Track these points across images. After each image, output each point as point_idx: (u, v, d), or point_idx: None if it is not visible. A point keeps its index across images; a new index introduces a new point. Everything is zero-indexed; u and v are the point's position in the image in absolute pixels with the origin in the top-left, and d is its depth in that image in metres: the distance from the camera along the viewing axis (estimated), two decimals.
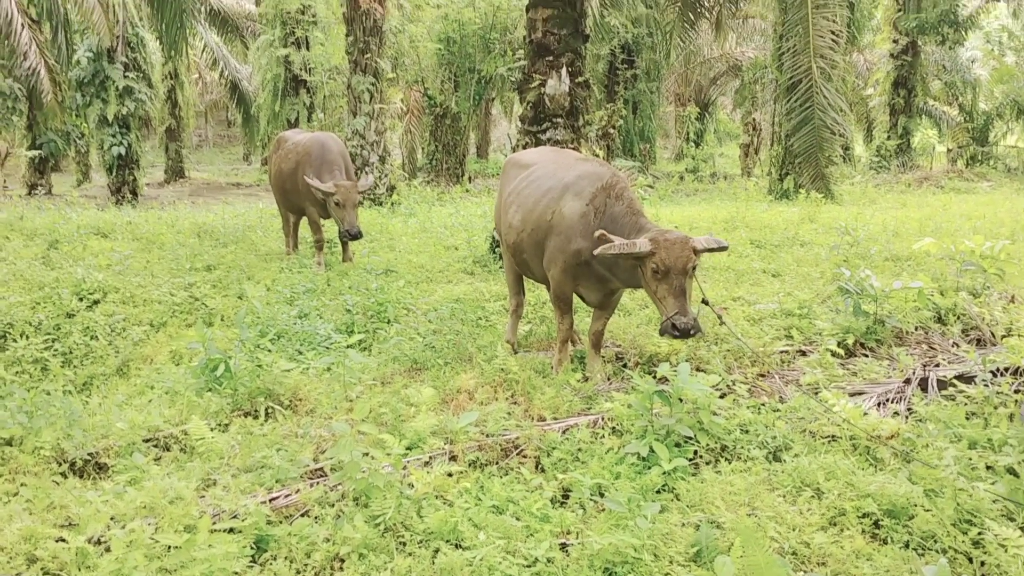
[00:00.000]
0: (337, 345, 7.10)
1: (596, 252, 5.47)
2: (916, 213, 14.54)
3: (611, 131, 24.90)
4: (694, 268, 5.48)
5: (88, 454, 5.12)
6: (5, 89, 25.69)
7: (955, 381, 5.72)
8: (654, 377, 5.67)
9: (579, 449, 4.90)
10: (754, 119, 31.92)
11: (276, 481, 4.53)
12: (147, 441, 5.33)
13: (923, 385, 5.84)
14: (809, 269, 9.40)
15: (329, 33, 20.70)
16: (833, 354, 6.46)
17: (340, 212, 9.36)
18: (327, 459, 4.74)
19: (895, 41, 28.19)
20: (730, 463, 4.74)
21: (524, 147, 9.40)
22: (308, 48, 23.10)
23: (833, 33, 19.11)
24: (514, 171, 6.95)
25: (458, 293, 8.60)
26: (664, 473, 4.55)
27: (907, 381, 5.87)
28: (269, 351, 6.88)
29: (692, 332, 5.25)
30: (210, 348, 6.09)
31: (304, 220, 10.63)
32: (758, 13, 31.03)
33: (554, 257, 6.17)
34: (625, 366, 6.53)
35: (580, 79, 9.46)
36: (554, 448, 4.90)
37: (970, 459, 4.56)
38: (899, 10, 27.77)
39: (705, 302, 5.65)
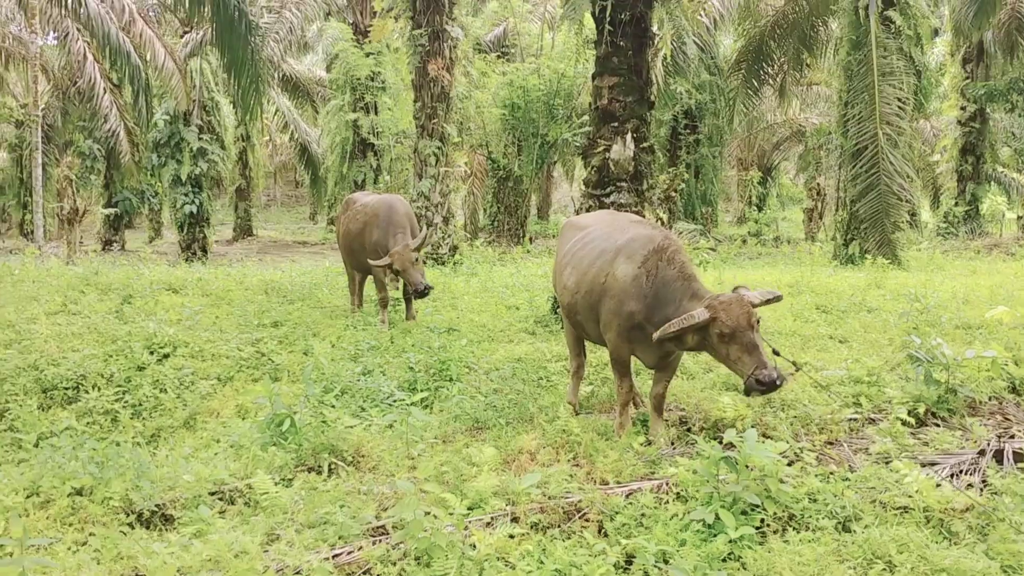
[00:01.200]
0: (400, 403, 7.14)
1: (656, 336, 5.47)
2: (986, 280, 14.21)
3: (673, 195, 24.94)
4: (758, 322, 5.47)
5: (155, 505, 5.19)
6: (86, 150, 26.70)
7: None
8: (720, 443, 5.60)
9: (642, 514, 4.83)
10: (818, 184, 31.71)
11: (339, 538, 4.55)
12: (212, 494, 5.39)
13: (998, 457, 5.67)
14: (877, 335, 9.23)
15: (397, 99, 21.20)
16: (903, 423, 6.31)
17: (404, 276, 9.51)
18: (390, 517, 4.74)
19: (963, 108, 27.95)
20: (798, 533, 4.64)
21: (588, 210, 9.47)
22: (376, 113, 23.72)
23: (899, 100, 19.00)
24: (571, 233, 7.01)
25: (519, 353, 8.61)
26: (730, 541, 4.46)
27: (981, 452, 5.70)
28: (333, 407, 6.95)
29: (779, 382, 5.25)
30: (276, 403, 6.16)
31: (369, 278, 10.79)
32: (822, 80, 31.07)
33: (609, 320, 6.19)
34: (689, 430, 6.45)
35: (644, 144, 9.54)
36: (617, 512, 4.84)
37: None
38: (967, 78, 27.57)
39: (776, 353, 5.60)
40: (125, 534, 4.79)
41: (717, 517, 4.65)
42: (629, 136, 9.44)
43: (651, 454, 5.82)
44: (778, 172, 43.00)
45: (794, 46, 23.64)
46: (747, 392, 5.36)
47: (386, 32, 18.38)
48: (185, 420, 7.56)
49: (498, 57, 24.12)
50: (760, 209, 33.87)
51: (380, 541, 4.54)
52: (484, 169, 24.98)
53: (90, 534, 4.76)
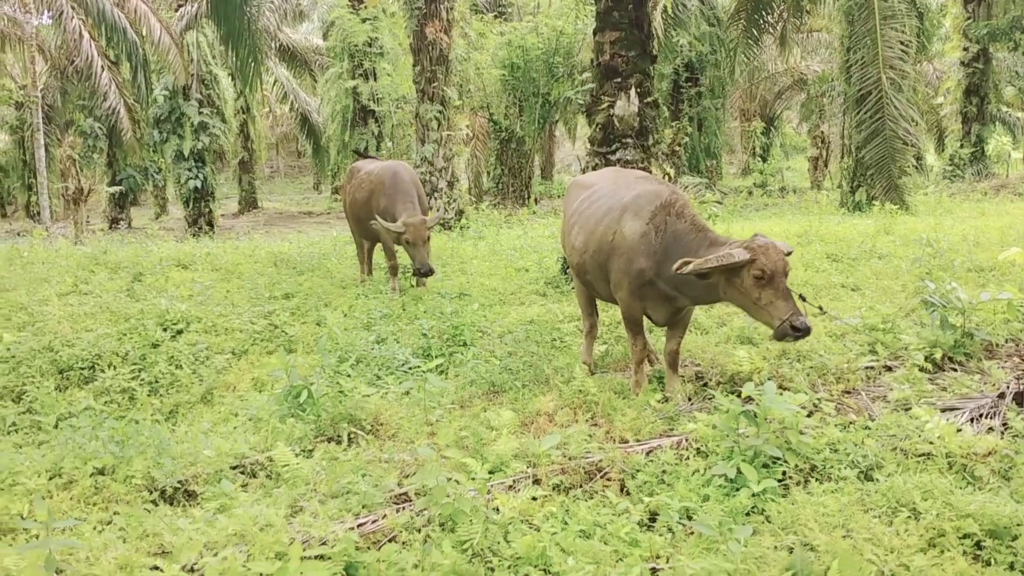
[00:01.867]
0: (416, 369, 7.14)
1: (689, 268, 5.41)
2: (996, 222, 14.15)
3: (677, 149, 24.74)
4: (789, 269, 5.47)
5: (178, 482, 5.20)
6: (87, 129, 26.61)
7: None
8: (738, 396, 5.60)
9: (664, 471, 4.84)
10: (822, 132, 31.48)
11: (363, 507, 4.56)
12: (234, 468, 5.41)
13: (1019, 400, 5.65)
14: (889, 282, 9.19)
15: (396, 64, 21.00)
16: (921, 369, 6.30)
17: (411, 250, 9.45)
18: (412, 484, 4.75)
19: (965, 49, 27.63)
20: (820, 484, 4.63)
21: (594, 168, 9.40)
22: (375, 79, 23.52)
23: (902, 44, 18.79)
24: (577, 192, 6.97)
25: (532, 315, 8.59)
26: (753, 495, 4.47)
27: (1001, 395, 5.68)
28: (349, 376, 6.94)
29: (810, 330, 5.26)
30: (292, 375, 6.17)
31: (379, 246, 10.75)
32: (823, 27, 30.67)
33: (619, 279, 6.16)
34: (706, 385, 6.45)
35: (649, 99, 9.44)
36: (638, 471, 4.85)
37: None
38: (968, 18, 27.23)
39: (802, 299, 5.57)
40: (149, 512, 4.81)
41: (739, 471, 4.65)
42: (633, 91, 9.34)
43: (668, 411, 5.82)
44: (781, 122, 42.67)
45: None
46: (779, 337, 5.34)
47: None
48: (202, 395, 7.56)
49: (495, 17, 23.84)
50: (764, 160, 33.64)
51: (403, 508, 4.55)
52: (486, 131, 24.82)
53: (114, 513, 4.78)
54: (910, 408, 5.61)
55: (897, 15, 18.41)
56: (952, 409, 5.65)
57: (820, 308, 5.98)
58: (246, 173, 34.73)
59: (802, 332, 5.26)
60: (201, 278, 10.60)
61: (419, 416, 6.00)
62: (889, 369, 6.57)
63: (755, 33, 24.34)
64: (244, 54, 11.83)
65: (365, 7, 22.15)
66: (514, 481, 4.78)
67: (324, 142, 31.40)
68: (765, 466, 4.79)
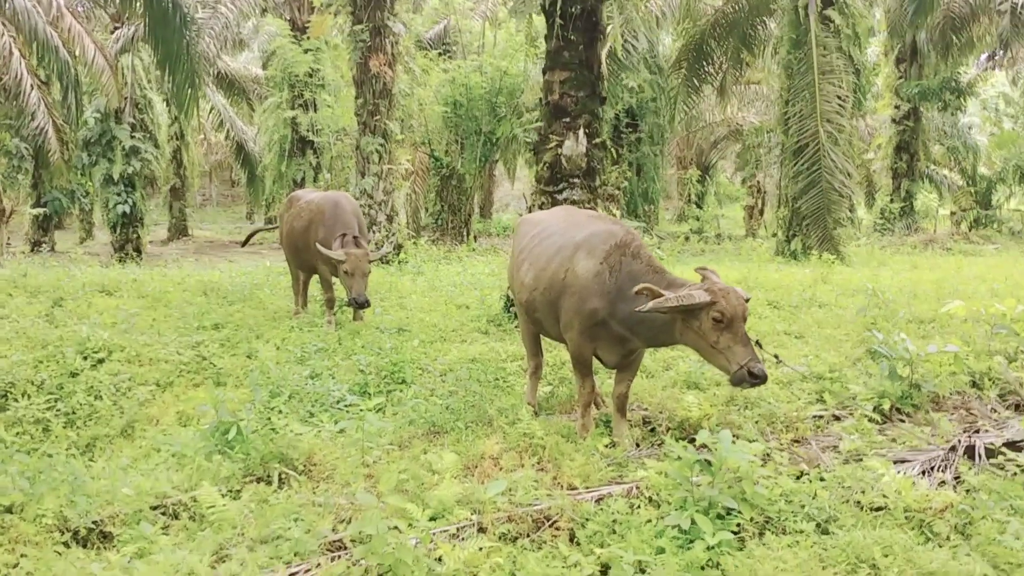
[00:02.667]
0: (353, 407, 6.84)
1: (647, 308, 5.26)
2: (929, 275, 14.35)
3: (616, 192, 24.84)
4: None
5: (92, 522, 4.82)
6: (12, 148, 25.71)
7: (1003, 449, 5.47)
8: (690, 443, 5.43)
9: (615, 521, 4.61)
10: (758, 182, 31.98)
11: (295, 554, 4.24)
12: (155, 508, 5.04)
13: (969, 453, 5.58)
14: (832, 331, 9.17)
15: (338, 95, 20.75)
16: (869, 419, 6.21)
17: (349, 280, 9.16)
18: (349, 530, 4.45)
19: (897, 107, 28.40)
20: (776, 536, 4.46)
21: (540, 207, 9.27)
22: (315, 110, 23.24)
23: (839, 98, 19.15)
24: (526, 229, 6.79)
25: (473, 353, 8.36)
26: (708, 548, 4.27)
27: (952, 448, 5.60)
28: (282, 412, 6.60)
29: (767, 377, 5.15)
30: (221, 410, 5.82)
31: (315, 278, 10.43)
32: (760, 79, 31.32)
33: (570, 319, 5.98)
34: (653, 431, 6.27)
35: (597, 140, 9.36)
36: (588, 520, 4.62)
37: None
38: (900, 77, 28.00)
39: (759, 345, 5.43)
40: (60, 554, 4.42)
41: (693, 522, 4.45)
42: (582, 132, 9.24)
43: (617, 456, 5.62)
44: (715, 171, 43.31)
45: (734, 45, 23.75)
46: (736, 383, 5.23)
47: (325, 28, 18.02)
48: (122, 429, 7.15)
49: (440, 55, 23.77)
50: (699, 207, 34.05)
51: (339, 557, 4.25)
52: (426, 167, 24.63)
53: (21, 555, 4.38)
54: (861, 459, 5.50)
55: (835, 70, 18.78)
56: (903, 461, 5.56)
57: (776, 357, 5.85)
58: (177, 200, 33.92)
59: (759, 379, 5.15)
60: (127, 305, 10.14)
61: (355, 457, 5.69)
62: (837, 419, 6.47)
63: (695, 83, 24.73)
64: (181, 79, 11.48)
65: (307, 38, 21.91)
66: (458, 529, 4.51)
67: (260, 171, 30.87)
68: (720, 517, 4.59)
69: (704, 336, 5.31)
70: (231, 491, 5.33)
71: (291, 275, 10.87)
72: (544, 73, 9.67)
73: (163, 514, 5.03)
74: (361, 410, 6.64)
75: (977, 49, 27.50)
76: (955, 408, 6.67)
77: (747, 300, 5.49)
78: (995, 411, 6.64)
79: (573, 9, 9.17)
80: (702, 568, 4.17)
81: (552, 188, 9.33)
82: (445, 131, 23.23)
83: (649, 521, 4.58)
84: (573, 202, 9.12)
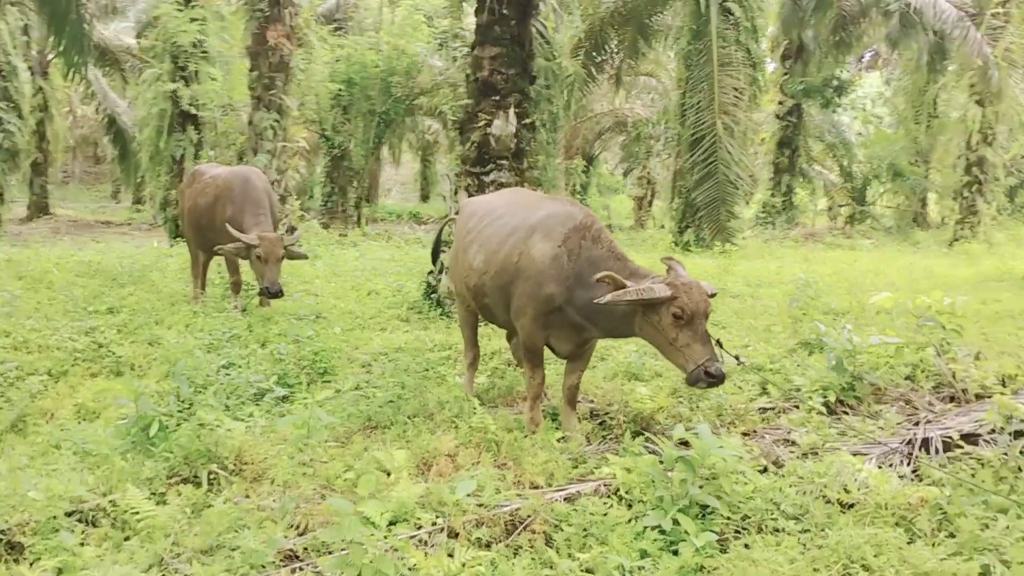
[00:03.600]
0: (285, 401, 6.34)
1: (606, 300, 4.96)
2: (823, 268, 14.63)
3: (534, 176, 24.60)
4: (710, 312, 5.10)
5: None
6: None
7: (960, 442, 5.44)
8: (643, 437, 5.23)
9: (591, 522, 4.31)
10: (648, 173, 32.32)
11: (250, 567, 3.78)
12: (70, 515, 4.47)
13: (924, 446, 5.52)
14: (752, 321, 9.16)
15: (230, 67, 19.73)
16: (817, 412, 6.11)
17: (261, 267, 8.55)
18: (307, 539, 4.02)
19: (780, 103, 29.07)
20: (759, 536, 4.24)
21: (466, 189, 8.90)
22: (199, 82, 22.08)
23: (736, 90, 19.37)
24: (473, 210, 6.40)
25: (398, 342, 7.94)
26: (696, 551, 4.02)
27: (908, 442, 5.53)
28: (211, 407, 6.02)
29: (724, 378, 4.93)
30: (142, 403, 5.25)
31: (216, 259, 9.76)
32: (650, 71, 31.63)
33: (523, 304, 5.64)
34: (603, 423, 6.01)
35: (527, 121, 9.05)
36: (562, 521, 4.31)
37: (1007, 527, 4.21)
38: (785, 74, 28.69)
39: (719, 344, 5.21)
40: None
41: (675, 523, 4.21)
42: (512, 111, 8.91)
43: (573, 451, 5.33)
44: (599, 161, 43.68)
45: (632, 35, 23.77)
46: (692, 382, 4.97)
47: None
48: (12, 423, 6.43)
49: (333, 31, 22.95)
50: (582, 199, 34.22)
51: (300, 569, 3.81)
52: (316, 146, 23.82)
53: None
54: (817, 453, 5.39)
55: (734, 63, 18.97)
56: (859, 454, 5.45)
57: (737, 358, 5.65)
58: (39, 176, 31.86)
59: (716, 379, 4.93)
60: (6, 287, 9.26)
61: (290, 454, 5.22)
62: (783, 411, 6.36)
63: (592, 71, 24.68)
64: (68, 41, 10.57)
65: (194, 6, 20.76)
66: (429, 534, 4.12)
67: (135, 147, 29.28)
68: (699, 517, 4.36)
69: (663, 332, 5.05)
70: (155, 494, 4.79)
71: (190, 255, 10.13)
72: (473, 48, 9.28)
73: (79, 521, 4.47)
74: (290, 402, 6.18)
75: (856, 49, 28.40)
76: (895, 400, 6.65)
77: (712, 295, 5.27)
78: (932, 404, 6.65)
79: None
80: (695, 573, 3.92)
81: (479, 169, 8.97)
82: (337, 110, 22.46)
83: (629, 521, 4.31)
84: (500, 185, 8.78)
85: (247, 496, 4.73)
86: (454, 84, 24.58)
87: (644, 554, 4.05)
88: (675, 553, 4.08)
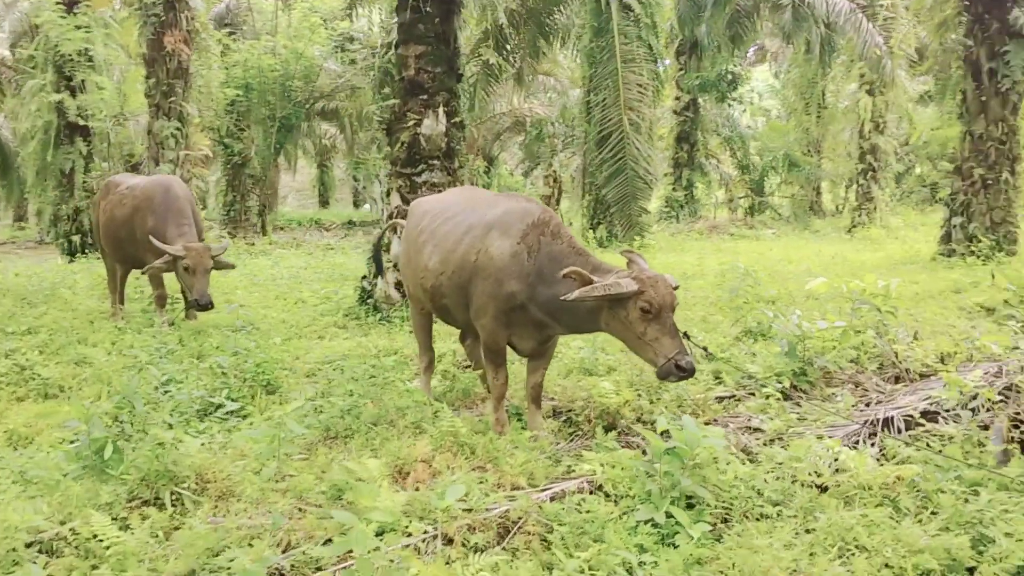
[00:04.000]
0: (234, 414, 6.07)
1: (573, 296, 4.89)
2: (742, 259, 14.91)
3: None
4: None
5: None
6: None
7: (921, 420, 5.58)
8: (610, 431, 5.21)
9: (583, 520, 4.24)
10: (555, 171, 32.46)
11: None
12: (28, 546, 4.17)
13: (884, 425, 5.64)
14: (689, 312, 9.25)
15: (123, 76, 18.98)
16: (774, 398, 6.18)
17: (189, 279, 8.23)
18: (295, 555, 3.84)
19: (677, 98, 29.66)
20: (750, 523, 4.24)
21: (398, 190, 8.72)
22: (85, 92, 21.20)
23: (640, 86, 19.63)
24: (424, 210, 6.26)
25: (340, 349, 7.74)
26: (697, 543, 4.00)
27: (870, 422, 5.64)
28: (167, 424, 5.72)
29: (694, 370, 4.91)
30: (94, 424, 4.95)
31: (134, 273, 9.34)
32: (547, 70, 31.80)
33: (484, 303, 5.54)
34: (568, 421, 5.95)
35: (456, 119, 8.93)
36: (553, 521, 4.22)
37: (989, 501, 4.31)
38: (680, 69, 29.26)
39: (687, 336, 5.20)
40: None
41: (667, 515, 4.18)
42: (441, 110, 8.78)
43: (546, 449, 5.26)
44: (499, 162, 43.75)
45: (532, 34, 23.83)
46: (663, 376, 4.96)
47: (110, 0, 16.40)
48: None
49: (228, 34, 22.34)
50: None
51: None
52: (215, 154, 23.16)
53: None
54: (783, 438, 5.45)
55: (637, 59, 19.21)
56: (822, 438, 5.53)
57: (705, 349, 5.67)
58: None
59: (687, 372, 4.92)
60: None
61: (254, 469, 5.00)
62: (740, 399, 6.41)
63: (495, 71, 24.65)
64: None
65: (78, 13, 19.89)
66: (423, 542, 3.99)
67: (18, 162, 27.96)
68: (687, 508, 4.34)
69: (631, 326, 5.01)
70: (116, 519, 4.50)
71: (107, 270, 9.68)
72: (397, 47, 9.10)
73: (40, 552, 4.18)
74: (238, 417, 5.93)
75: (747, 43, 29.13)
76: (844, 383, 6.79)
77: (675, 288, 5.26)
78: (879, 385, 6.81)
79: None
80: (697, 564, 3.88)
81: (410, 170, 8.81)
82: (233, 116, 21.87)
83: (621, 517, 4.25)
84: (432, 185, 8.65)
85: (222, 515, 4.51)
86: (353, 87, 24.31)
87: (642, 549, 4.00)
88: (673, 546, 4.04)
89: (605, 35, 19.56)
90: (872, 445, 5.40)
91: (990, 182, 13.61)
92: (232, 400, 6.35)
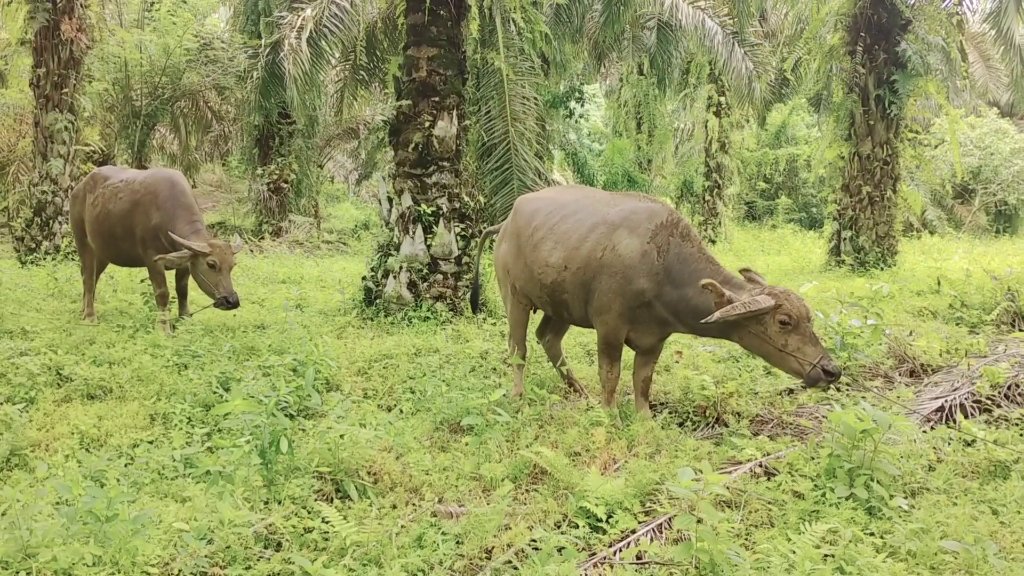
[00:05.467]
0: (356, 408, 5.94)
1: (715, 318, 5.15)
2: None
3: (283, 185, 23.92)
4: None
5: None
6: None
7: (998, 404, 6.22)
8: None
9: (787, 500, 4.54)
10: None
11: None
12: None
13: (950, 412, 6.25)
14: None
15: (12, 62, 17.52)
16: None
17: (214, 276, 7.86)
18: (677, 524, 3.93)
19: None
20: (919, 497, 4.66)
21: (409, 191, 8.68)
22: None
23: (524, 99, 20.04)
24: (535, 208, 6.38)
25: (382, 349, 7.64)
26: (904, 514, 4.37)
27: (939, 409, 6.23)
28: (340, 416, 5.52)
29: (841, 373, 5.22)
30: (270, 419, 4.78)
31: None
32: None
33: (609, 300, 5.73)
34: (674, 412, 6.21)
35: (465, 122, 9.01)
36: (774, 502, 4.50)
37: None
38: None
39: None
40: None
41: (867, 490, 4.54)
42: (454, 112, 8.83)
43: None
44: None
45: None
46: (810, 383, 5.25)
47: None
48: (5, 459, 5.53)
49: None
50: None
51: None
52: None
53: None
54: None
55: (522, 72, 19.59)
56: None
57: None
58: None
59: (834, 375, 5.20)
60: None
61: (421, 465, 4.99)
62: (794, 392, 6.86)
63: (364, 77, 24.37)
64: None
65: None
66: (668, 521, 4.18)
67: None
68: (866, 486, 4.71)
69: (771, 340, 5.26)
70: (310, 512, 4.39)
71: (83, 267, 9.02)
72: (407, 48, 9.07)
73: (266, 547, 4.05)
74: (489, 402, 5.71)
75: (607, 63, 30.13)
76: (874, 376, 7.41)
77: None
78: (894, 378, 7.48)
79: None
80: (924, 531, 4.24)
81: (421, 171, 8.82)
82: (101, 111, 20.61)
83: (824, 493, 4.56)
84: (443, 186, 8.69)
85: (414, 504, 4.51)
86: (220, 87, 23.44)
87: (863, 525, 4.29)
88: (880, 518, 4.38)
89: (490, 47, 19.86)
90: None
91: (876, 199, 15.00)
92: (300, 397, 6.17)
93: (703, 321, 5.27)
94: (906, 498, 4.69)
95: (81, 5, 14.86)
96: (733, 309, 5.17)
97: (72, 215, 9.04)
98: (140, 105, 21.08)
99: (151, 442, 5.70)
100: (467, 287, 9.65)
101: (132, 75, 20.62)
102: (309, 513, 4.35)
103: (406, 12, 9.14)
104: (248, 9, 21.34)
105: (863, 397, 6.33)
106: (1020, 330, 8.85)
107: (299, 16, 9.69)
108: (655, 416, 6.00)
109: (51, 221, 14.75)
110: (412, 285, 9.01)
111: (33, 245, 14.72)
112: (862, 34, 14.99)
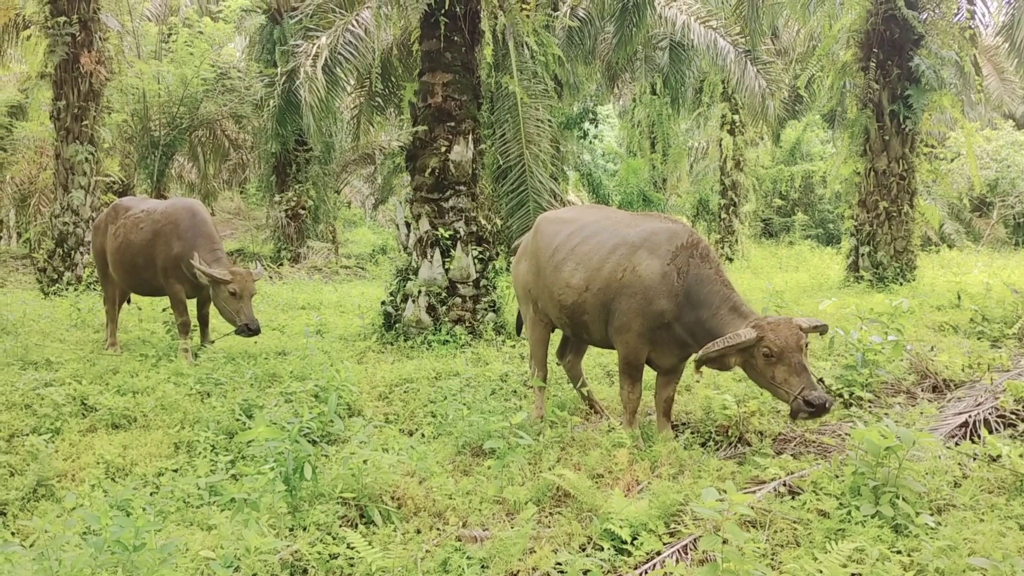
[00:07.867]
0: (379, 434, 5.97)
1: (698, 356, 5.22)
2: None
3: (301, 212, 24.08)
4: (807, 345, 5.34)
5: None
6: None
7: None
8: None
9: (811, 519, 4.52)
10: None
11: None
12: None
13: (973, 427, 6.21)
14: None
15: (32, 96, 17.78)
16: (847, 404, 6.67)
17: (235, 303, 7.95)
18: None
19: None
20: (940, 516, 4.63)
21: (427, 215, 8.73)
22: None
23: (539, 121, 20.15)
24: (553, 228, 6.40)
25: (402, 373, 7.67)
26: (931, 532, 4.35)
27: (963, 424, 6.20)
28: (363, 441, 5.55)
29: (828, 405, 5.10)
30: (287, 447, 4.81)
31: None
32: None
33: (629, 320, 5.74)
34: (696, 432, 6.20)
35: (481, 147, 9.08)
36: (798, 521, 4.49)
37: None
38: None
39: (820, 381, 5.53)
40: None
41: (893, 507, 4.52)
42: (470, 137, 8.90)
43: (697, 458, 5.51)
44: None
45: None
46: (794, 415, 5.19)
47: (10, 13, 15.42)
48: (31, 490, 5.58)
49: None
50: None
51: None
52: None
53: None
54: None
55: (536, 94, 19.71)
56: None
57: (821, 380, 6.02)
58: None
59: (816, 408, 5.09)
60: None
61: (442, 489, 5.00)
62: None
63: (379, 102, 24.60)
64: None
65: None
66: (693, 542, 4.16)
67: None
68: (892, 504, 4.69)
69: (760, 371, 5.28)
70: (335, 538, 4.42)
71: (105, 298, 9.12)
72: (422, 74, 9.15)
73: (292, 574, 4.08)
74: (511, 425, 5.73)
75: (620, 83, 30.27)
76: (896, 392, 7.38)
77: (815, 329, 5.46)
78: (915, 393, 7.45)
79: (458, 9, 8.82)
80: (951, 548, 4.22)
81: (438, 195, 8.87)
82: (120, 142, 20.88)
83: (849, 511, 4.55)
84: (460, 210, 8.74)
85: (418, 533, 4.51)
86: (237, 115, 23.70)
87: (890, 543, 4.27)
88: (907, 536, 4.36)
89: (503, 71, 20.00)
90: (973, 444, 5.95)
91: (893, 214, 14.96)
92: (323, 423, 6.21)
93: (691, 360, 5.29)
94: (932, 515, 4.65)
95: (100, 38, 15.06)
96: (712, 347, 5.21)
97: (94, 246, 9.15)
98: (159, 135, 21.38)
99: (176, 470, 5.77)
100: (486, 310, 9.68)
101: (151, 106, 20.94)
102: (334, 539, 4.39)
103: (421, 39, 9.24)
104: (264, 38, 21.64)
105: (886, 414, 6.32)
106: None
107: (314, 44, 9.84)
108: (677, 436, 6.00)
109: (73, 252, 14.91)
110: (431, 309, 9.06)
111: (55, 276, 14.88)
112: (875, 50, 14.99)
